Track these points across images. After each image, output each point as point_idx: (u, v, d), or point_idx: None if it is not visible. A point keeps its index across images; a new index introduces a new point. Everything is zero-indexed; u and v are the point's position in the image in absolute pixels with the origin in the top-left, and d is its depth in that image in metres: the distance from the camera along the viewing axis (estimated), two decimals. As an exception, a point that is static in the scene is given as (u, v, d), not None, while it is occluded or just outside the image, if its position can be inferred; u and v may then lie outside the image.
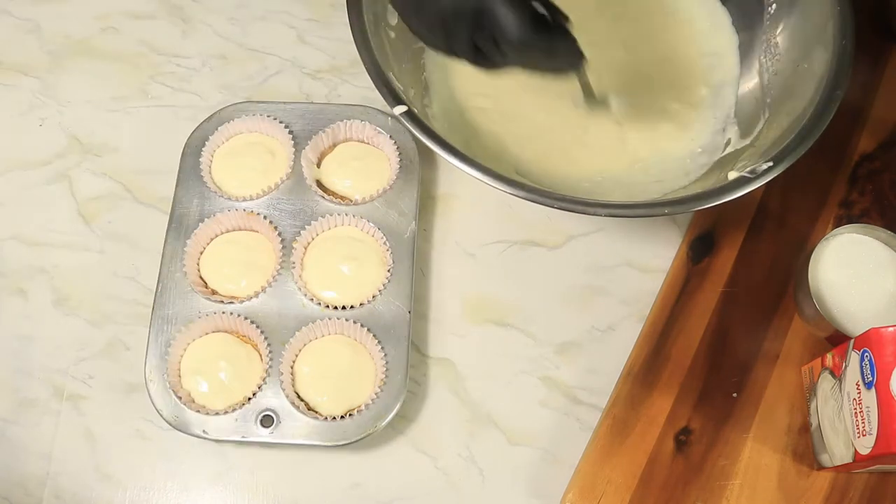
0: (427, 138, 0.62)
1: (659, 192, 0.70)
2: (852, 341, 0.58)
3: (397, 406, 0.64)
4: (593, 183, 0.72)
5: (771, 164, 0.62)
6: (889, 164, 0.75)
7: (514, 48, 0.54)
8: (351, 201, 0.73)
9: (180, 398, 0.65)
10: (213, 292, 0.70)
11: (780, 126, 0.67)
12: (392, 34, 0.70)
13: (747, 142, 0.70)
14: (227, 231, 0.73)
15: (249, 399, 0.65)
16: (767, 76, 0.73)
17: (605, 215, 0.60)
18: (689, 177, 0.71)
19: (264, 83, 0.82)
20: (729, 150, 0.72)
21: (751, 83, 0.75)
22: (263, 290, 0.69)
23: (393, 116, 0.75)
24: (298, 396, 0.65)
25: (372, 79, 0.64)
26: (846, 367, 0.58)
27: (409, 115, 0.63)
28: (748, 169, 0.62)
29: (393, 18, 0.70)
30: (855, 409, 0.56)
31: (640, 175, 0.72)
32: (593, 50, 0.76)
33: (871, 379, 0.55)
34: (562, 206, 0.60)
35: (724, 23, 0.78)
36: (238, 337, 0.68)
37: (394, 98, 0.64)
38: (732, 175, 0.63)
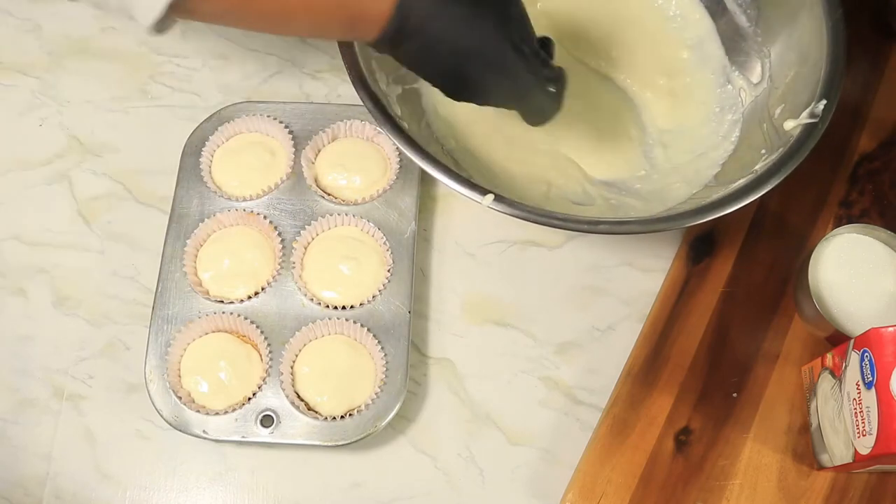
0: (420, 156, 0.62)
1: (711, 165, 0.69)
2: (852, 341, 0.58)
3: (397, 406, 0.64)
4: (639, 178, 0.71)
5: (825, 101, 0.62)
6: (889, 164, 0.75)
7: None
8: (351, 201, 0.73)
9: (180, 398, 0.65)
10: (213, 292, 0.70)
11: (788, 61, 0.68)
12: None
13: (764, 84, 0.70)
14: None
15: (249, 399, 0.65)
16: (741, 11, 0.73)
17: (601, 232, 0.60)
18: (728, 139, 0.71)
19: (264, 83, 0.82)
20: (749, 98, 0.72)
21: (730, 25, 0.75)
22: (263, 290, 0.69)
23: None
24: (298, 396, 0.65)
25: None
26: (846, 367, 0.58)
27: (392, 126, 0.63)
28: (804, 113, 0.63)
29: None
30: (855, 409, 0.56)
31: (679, 156, 0.72)
32: (572, 73, 0.76)
33: (871, 379, 0.55)
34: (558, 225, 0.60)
35: None
36: (238, 337, 0.68)
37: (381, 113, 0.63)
38: (790, 125, 0.64)
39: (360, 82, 0.64)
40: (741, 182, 0.62)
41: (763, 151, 0.65)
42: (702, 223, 0.61)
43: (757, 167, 0.63)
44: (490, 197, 0.59)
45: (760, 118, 0.69)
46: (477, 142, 0.72)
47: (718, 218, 0.60)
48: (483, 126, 0.73)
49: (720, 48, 0.75)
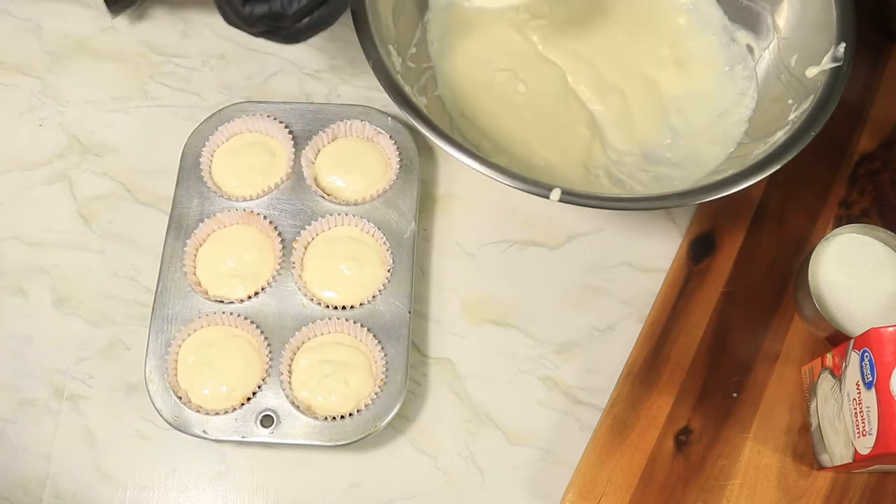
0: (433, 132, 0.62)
1: (738, 122, 0.69)
2: (852, 341, 0.58)
3: (397, 406, 0.64)
4: (667, 147, 0.71)
5: (844, 43, 0.63)
6: (889, 164, 0.75)
7: None
8: (351, 201, 0.73)
9: (180, 398, 0.65)
10: (213, 292, 0.70)
11: (792, 9, 0.68)
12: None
13: (771, 36, 0.70)
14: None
15: (249, 399, 0.65)
16: None
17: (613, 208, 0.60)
18: (747, 95, 0.71)
19: (264, 83, 0.82)
20: (759, 52, 0.72)
21: None
22: (263, 290, 0.69)
23: (393, 116, 0.75)
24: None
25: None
26: (846, 367, 0.58)
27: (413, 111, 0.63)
28: (825, 57, 0.63)
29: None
30: (855, 409, 0.56)
31: (699, 118, 0.72)
32: (573, 51, 0.76)
33: (871, 379, 0.55)
34: (569, 200, 0.60)
35: None
36: (238, 336, 0.68)
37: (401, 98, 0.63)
38: (812, 72, 0.64)
39: (403, 101, 0.64)
40: (780, 135, 0.62)
41: (790, 101, 0.65)
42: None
43: (791, 118, 0.63)
44: (557, 192, 0.59)
45: (777, 70, 0.69)
46: (509, 138, 0.72)
47: (724, 202, 0.61)
48: (511, 120, 0.73)
49: (717, 8, 0.76)
